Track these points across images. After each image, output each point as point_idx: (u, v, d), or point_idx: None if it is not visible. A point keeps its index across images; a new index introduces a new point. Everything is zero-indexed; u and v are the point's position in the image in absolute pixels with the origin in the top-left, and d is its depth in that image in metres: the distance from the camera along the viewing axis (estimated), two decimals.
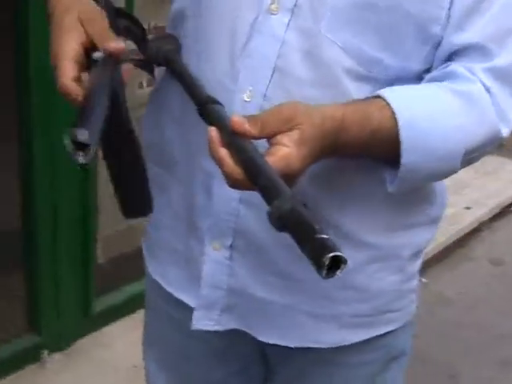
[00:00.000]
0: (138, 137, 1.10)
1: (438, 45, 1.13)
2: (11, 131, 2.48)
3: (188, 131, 1.22)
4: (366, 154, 1.11)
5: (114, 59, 1.03)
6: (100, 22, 1.06)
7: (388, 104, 1.07)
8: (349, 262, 0.88)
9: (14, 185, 2.56)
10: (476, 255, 3.83)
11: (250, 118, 1.00)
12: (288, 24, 1.12)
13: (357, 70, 1.11)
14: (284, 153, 0.98)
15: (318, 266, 0.83)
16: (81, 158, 0.85)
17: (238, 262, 1.23)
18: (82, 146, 0.86)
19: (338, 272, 0.84)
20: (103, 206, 2.70)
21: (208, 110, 1.06)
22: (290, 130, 0.99)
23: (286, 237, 0.93)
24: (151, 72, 1.23)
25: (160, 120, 1.28)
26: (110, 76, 1.01)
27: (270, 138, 1.00)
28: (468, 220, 3.95)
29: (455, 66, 1.13)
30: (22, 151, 2.47)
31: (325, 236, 0.85)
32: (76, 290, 2.71)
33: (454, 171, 1.14)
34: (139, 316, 1.61)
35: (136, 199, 1.14)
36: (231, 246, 1.22)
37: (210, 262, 1.24)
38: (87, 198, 2.62)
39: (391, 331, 1.33)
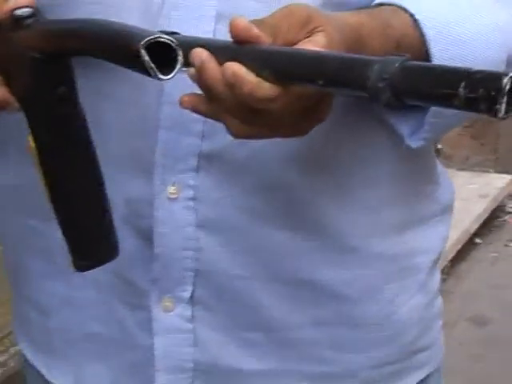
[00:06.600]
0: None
1: None
2: None
3: None
4: None
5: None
6: None
7: (399, 6, 0.78)
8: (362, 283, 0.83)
9: None
10: None
11: (256, 22, 0.68)
12: None
13: None
14: None
15: (492, 100, 0.52)
16: (167, 73, 0.61)
17: (204, 321, 0.86)
18: (162, 58, 0.61)
19: None
20: None
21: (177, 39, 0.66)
22: (310, 34, 0.69)
23: (275, 266, 0.83)
24: None
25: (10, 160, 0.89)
26: None
27: None
28: None
29: None
30: None
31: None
32: None
33: None
34: None
35: (95, 238, 0.75)
36: (192, 298, 0.84)
37: (163, 331, 0.85)
38: None
39: (424, 379, 0.97)
